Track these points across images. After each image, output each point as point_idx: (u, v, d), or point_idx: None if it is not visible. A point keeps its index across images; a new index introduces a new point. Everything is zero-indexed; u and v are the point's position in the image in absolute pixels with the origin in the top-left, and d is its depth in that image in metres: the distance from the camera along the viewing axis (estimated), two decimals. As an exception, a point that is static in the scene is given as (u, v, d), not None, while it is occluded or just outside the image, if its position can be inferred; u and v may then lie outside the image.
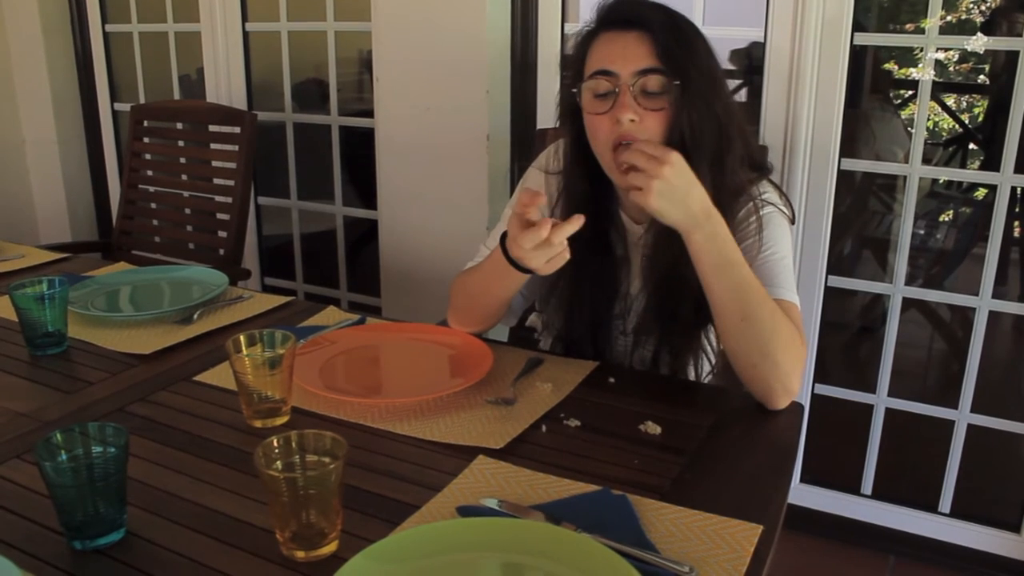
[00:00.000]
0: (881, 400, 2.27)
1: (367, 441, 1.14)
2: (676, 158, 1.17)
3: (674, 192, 1.17)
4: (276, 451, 0.93)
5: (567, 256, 1.19)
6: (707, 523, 0.95)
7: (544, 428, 1.17)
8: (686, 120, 1.25)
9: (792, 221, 1.40)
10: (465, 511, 0.96)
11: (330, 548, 0.90)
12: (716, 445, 1.15)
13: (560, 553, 0.88)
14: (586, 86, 1.29)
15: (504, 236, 1.24)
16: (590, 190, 1.37)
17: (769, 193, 1.37)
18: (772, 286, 1.28)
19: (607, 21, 1.30)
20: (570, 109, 1.35)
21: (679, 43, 1.25)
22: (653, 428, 1.16)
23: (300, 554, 0.89)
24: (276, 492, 0.88)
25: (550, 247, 1.16)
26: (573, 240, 1.18)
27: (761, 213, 1.33)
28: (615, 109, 1.25)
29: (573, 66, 1.34)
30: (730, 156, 1.30)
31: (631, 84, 1.25)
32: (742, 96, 2.53)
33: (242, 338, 1.20)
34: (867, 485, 2.34)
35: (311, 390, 1.25)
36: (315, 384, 1.27)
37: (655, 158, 1.16)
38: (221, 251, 2.53)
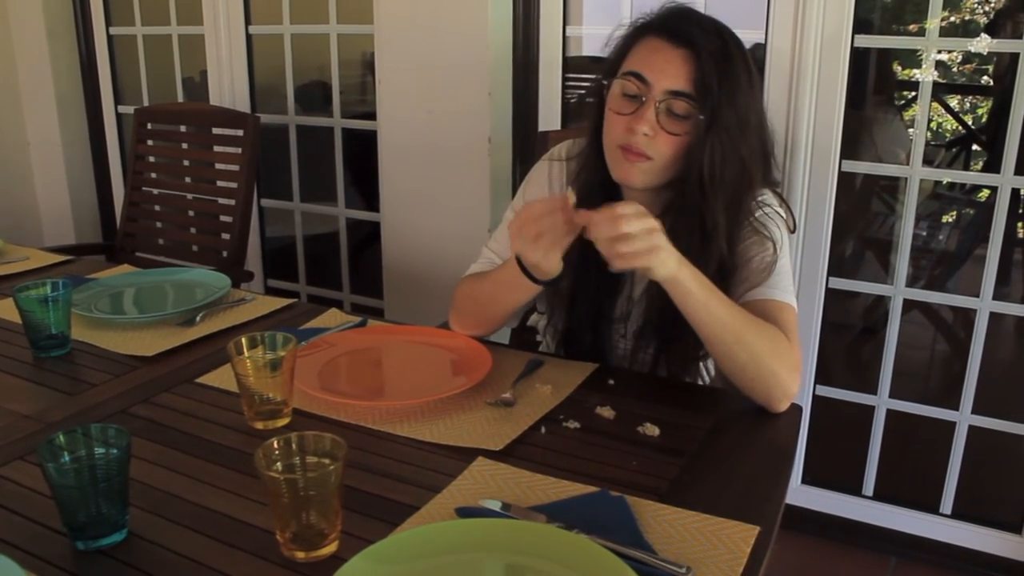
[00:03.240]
0: (882, 401, 2.27)
1: (367, 442, 1.15)
2: (650, 218, 1.12)
3: (668, 246, 1.14)
4: (276, 452, 0.93)
5: (553, 242, 1.18)
6: (704, 524, 0.95)
7: (543, 430, 1.18)
8: (707, 157, 1.24)
9: (792, 230, 1.40)
10: (464, 512, 0.97)
11: (330, 549, 0.91)
12: (714, 446, 1.16)
13: (558, 554, 0.88)
14: (617, 82, 1.28)
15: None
16: (602, 184, 1.36)
17: (767, 196, 1.37)
18: (769, 288, 1.29)
19: (661, 28, 1.27)
20: (599, 98, 1.34)
21: (721, 77, 1.23)
22: (652, 430, 1.17)
23: (300, 555, 0.90)
24: (276, 493, 0.89)
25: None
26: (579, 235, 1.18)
27: (758, 214, 1.33)
28: (634, 117, 1.25)
29: (612, 55, 1.33)
30: (748, 195, 1.30)
31: (658, 100, 1.24)
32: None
33: (244, 340, 1.21)
34: (868, 486, 2.34)
35: (312, 392, 1.26)
36: (316, 386, 1.28)
37: (643, 234, 1.11)
38: (224, 253, 2.54)
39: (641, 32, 1.29)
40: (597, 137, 1.35)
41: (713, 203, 1.26)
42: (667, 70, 1.24)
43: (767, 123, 1.34)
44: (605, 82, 1.31)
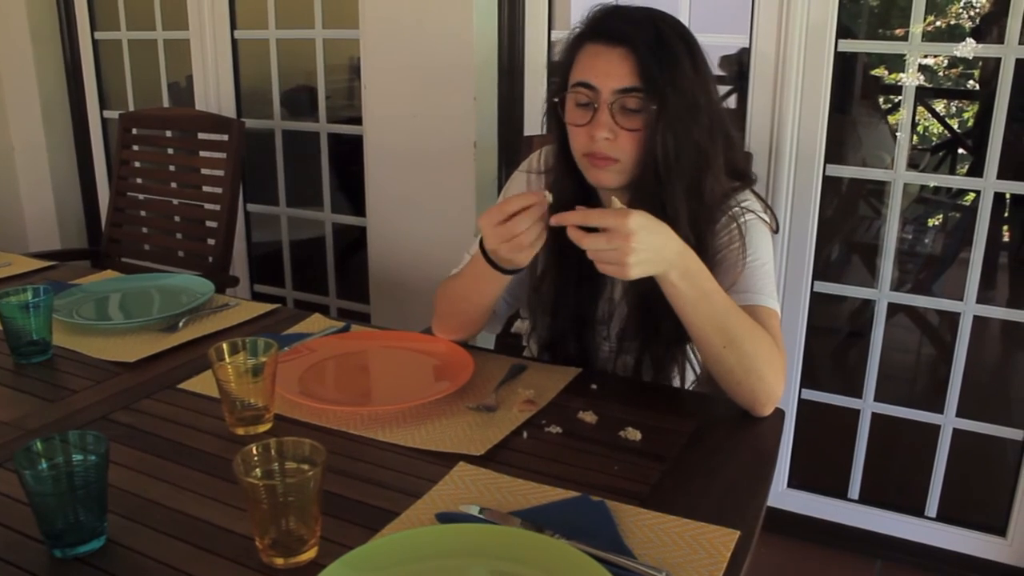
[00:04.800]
0: (868, 405, 2.28)
1: (348, 448, 1.15)
2: (635, 222, 1.10)
3: (649, 253, 1.12)
4: (255, 458, 0.93)
5: (530, 242, 1.19)
6: (684, 528, 0.95)
7: (525, 435, 1.18)
8: (660, 144, 1.25)
9: (775, 230, 1.40)
10: (444, 517, 0.97)
11: (309, 555, 0.91)
12: (696, 451, 1.16)
13: (538, 559, 0.88)
14: (568, 96, 1.30)
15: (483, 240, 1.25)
16: (576, 190, 1.37)
17: (750, 202, 1.37)
18: (753, 292, 1.29)
19: (595, 32, 1.29)
20: (556, 113, 1.36)
21: (661, 64, 1.24)
22: (633, 434, 1.17)
23: (279, 561, 0.90)
24: (255, 499, 0.89)
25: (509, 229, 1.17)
26: (559, 239, 1.18)
27: (741, 221, 1.34)
28: (592, 125, 1.27)
29: (559, 70, 1.35)
30: (709, 178, 1.30)
31: (610, 103, 1.25)
32: (731, 102, 2.54)
33: (225, 346, 1.20)
34: (854, 490, 2.35)
35: (293, 398, 1.25)
36: (297, 392, 1.28)
37: (614, 234, 1.10)
38: (210, 258, 2.53)
39: (579, 41, 1.31)
40: (563, 149, 1.37)
41: (671, 190, 1.26)
42: (611, 72, 1.25)
43: (720, 104, 1.34)
44: (556, 100, 1.33)
